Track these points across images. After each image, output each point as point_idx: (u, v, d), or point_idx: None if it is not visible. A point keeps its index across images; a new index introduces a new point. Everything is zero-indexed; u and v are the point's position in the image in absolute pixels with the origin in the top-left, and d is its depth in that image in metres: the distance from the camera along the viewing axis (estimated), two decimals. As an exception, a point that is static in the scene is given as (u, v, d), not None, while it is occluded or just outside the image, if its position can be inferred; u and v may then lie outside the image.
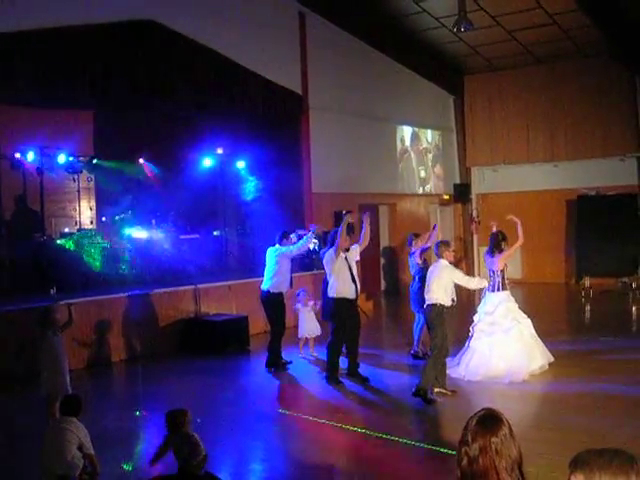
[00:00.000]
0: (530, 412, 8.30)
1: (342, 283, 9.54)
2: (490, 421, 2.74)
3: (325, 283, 11.07)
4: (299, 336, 11.53)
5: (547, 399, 8.89)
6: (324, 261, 9.95)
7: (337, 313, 9.70)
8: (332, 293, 9.66)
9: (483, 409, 2.84)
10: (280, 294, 10.74)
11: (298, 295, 11.55)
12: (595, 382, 9.19)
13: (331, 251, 9.72)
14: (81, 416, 5.76)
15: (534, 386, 9.31)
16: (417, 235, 11.06)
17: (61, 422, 5.65)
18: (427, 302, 8.80)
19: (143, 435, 8.06)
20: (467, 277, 9.26)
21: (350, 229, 10.87)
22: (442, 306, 8.68)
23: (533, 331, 9.88)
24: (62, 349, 7.66)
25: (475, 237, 21.49)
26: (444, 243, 9.15)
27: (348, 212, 10.65)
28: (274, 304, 10.77)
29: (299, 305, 11.49)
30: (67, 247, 13.39)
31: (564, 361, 10.09)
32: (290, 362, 10.95)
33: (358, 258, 9.93)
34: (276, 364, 10.64)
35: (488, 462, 2.65)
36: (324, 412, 8.42)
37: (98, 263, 13.39)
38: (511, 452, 2.69)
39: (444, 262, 8.82)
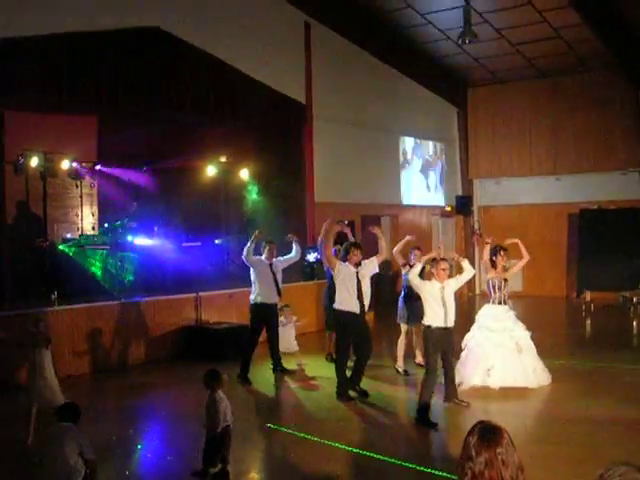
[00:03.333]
0: (529, 427, 8.26)
1: (346, 296, 9.33)
2: (492, 433, 2.75)
3: (327, 293, 11.07)
4: None
5: (546, 414, 8.85)
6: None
7: (339, 326, 9.57)
8: (335, 305, 9.52)
9: (479, 422, 2.84)
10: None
11: (281, 309, 11.46)
12: (594, 397, 9.14)
13: (337, 263, 9.53)
14: (79, 423, 5.74)
15: (533, 401, 9.29)
16: (418, 248, 10.89)
17: (60, 429, 5.63)
18: (423, 322, 8.60)
19: (140, 443, 8.04)
20: (461, 276, 8.70)
21: (341, 239, 10.81)
22: (430, 327, 8.36)
23: (513, 347, 9.73)
24: (50, 359, 7.64)
25: (477, 250, 21.43)
26: (435, 261, 8.74)
27: (340, 221, 10.52)
28: None
29: (282, 319, 11.37)
30: (68, 253, 13.37)
31: (563, 376, 10.07)
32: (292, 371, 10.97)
33: (377, 270, 9.64)
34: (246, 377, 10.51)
35: (495, 474, 2.65)
36: (321, 424, 8.41)
37: (99, 270, 13.36)
38: (515, 459, 2.70)
39: (435, 282, 8.48)
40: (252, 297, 10.86)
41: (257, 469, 7.18)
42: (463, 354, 9.82)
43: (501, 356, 9.61)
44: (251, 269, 10.80)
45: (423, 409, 8.19)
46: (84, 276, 13.08)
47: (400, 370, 10.76)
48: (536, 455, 6.53)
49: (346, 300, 9.35)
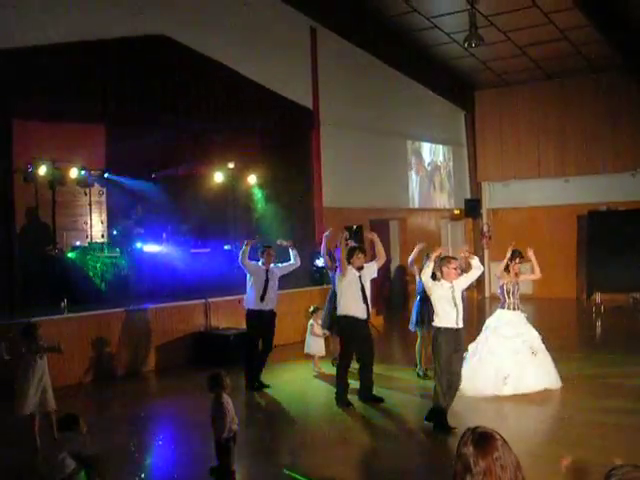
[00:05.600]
0: (537, 429, 8.23)
1: (351, 301, 9.20)
2: (485, 439, 2.71)
3: (330, 299, 10.99)
4: (305, 351, 11.43)
5: (554, 416, 8.83)
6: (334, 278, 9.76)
7: (344, 332, 9.44)
8: (340, 311, 9.39)
9: (468, 430, 2.78)
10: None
11: (313, 312, 11.44)
12: (604, 399, 9.12)
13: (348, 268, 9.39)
14: (80, 432, 5.70)
15: (542, 404, 9.24)
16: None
17: (61, 440, 5.70)
18: (433, 324, 8.32)
19: (150, 450, 8.05)
20: (469, 274, 8.40)
21: (356, 238, 10.76)
22: (440, 328, 8.08)
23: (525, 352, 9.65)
24: (45, 366, 7.56)
25: (486, 252, 21.41)
26: (444, 259, 8.38)
27: (346, 227, 10.44)
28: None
29: (311, 321, 11.35)
30: (73, 260, 13.36)
31: (574, 378, 10.03)
32: (267, 386, 10.49)
33: (375, 275, 9.56)
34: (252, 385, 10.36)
35: None
36: (331, 431, 8.42)
37: (98, 279, 13.26)
38: (512, 460, 2.69)
39: (444, 282, 8.16)
40: (245, 303, 10.65)
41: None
42: (475, 360, 9.65)
43: (518, 364, 9.50)
44: (247, 274, 10.62)
45: (440, 413, 7.99)
46: (89, 283, 13.07)
47: (421, 373, 10.74)
48: (542, 457, 6.52)
49: (352, 305, 9.23)
